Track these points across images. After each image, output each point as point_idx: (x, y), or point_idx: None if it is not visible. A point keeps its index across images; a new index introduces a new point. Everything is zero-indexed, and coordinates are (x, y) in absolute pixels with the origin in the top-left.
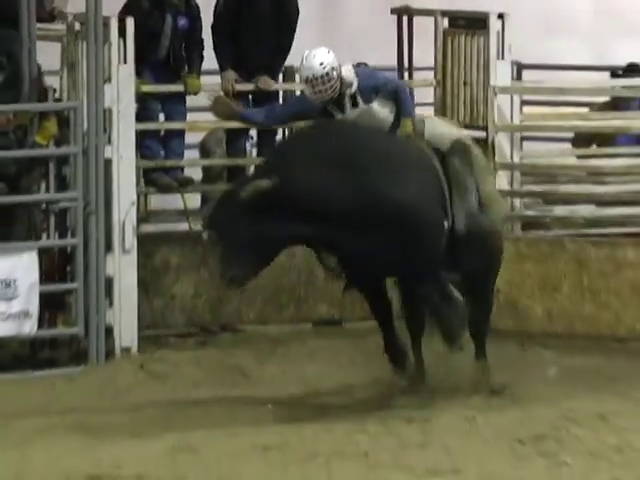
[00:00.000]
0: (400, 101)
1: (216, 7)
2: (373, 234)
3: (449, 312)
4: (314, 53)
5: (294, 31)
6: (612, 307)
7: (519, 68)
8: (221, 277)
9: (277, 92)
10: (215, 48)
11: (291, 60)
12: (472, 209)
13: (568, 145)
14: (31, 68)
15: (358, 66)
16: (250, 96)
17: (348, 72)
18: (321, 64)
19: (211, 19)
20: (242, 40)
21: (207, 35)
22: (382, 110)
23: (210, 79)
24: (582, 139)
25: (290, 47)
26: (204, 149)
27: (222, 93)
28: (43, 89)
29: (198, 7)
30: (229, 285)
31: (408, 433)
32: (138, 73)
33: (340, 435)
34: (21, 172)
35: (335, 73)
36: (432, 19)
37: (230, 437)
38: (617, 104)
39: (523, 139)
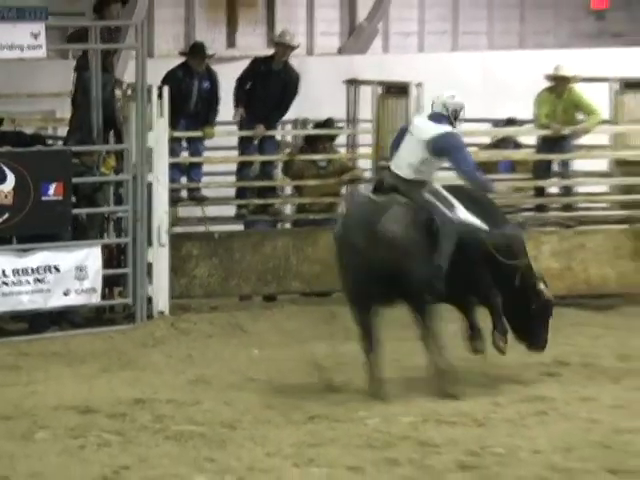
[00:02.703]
0: None
1: (243, 71)
2: None
3: None
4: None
5: (292, 102)
6: None
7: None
8: None
9: (272, 137)
10: (235, 95)
11: None
12: None
13: None
14: (98, 121)
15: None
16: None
17: None
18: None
19: (225, 84)
20: (254, 99)
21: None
22: None
23: (224, 128)
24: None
25: (286, 112)
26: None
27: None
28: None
29: (216, 73)
30: None
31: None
32: (172, 123)
33: (309, 370)
34: (93, 191)
35: None
36: (371, 87)
37: (232, 373)
38: (498, 145)
39: None
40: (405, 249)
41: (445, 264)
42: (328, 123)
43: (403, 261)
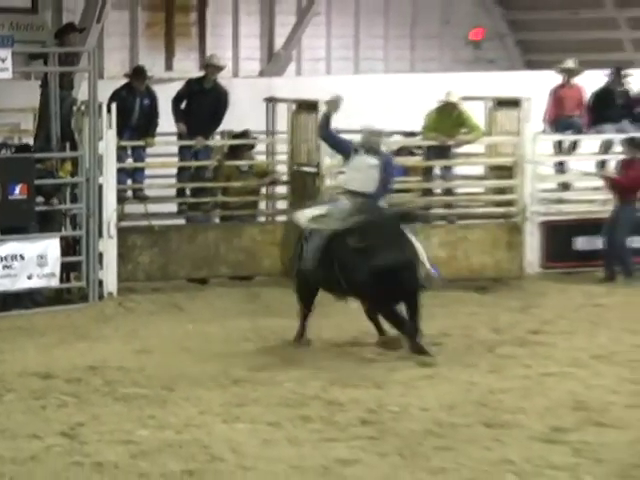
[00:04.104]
0: (386, 181)
1: (178, 92)
2: None
3: None
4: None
5: (224, 114)
6: None
7: (337, 132)
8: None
9: (206, 146)
10: (174, 112)
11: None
12: None
13: None
14: (56, 132)
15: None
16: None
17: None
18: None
19: (164, 101)
20: (191, 113)
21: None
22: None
23: (163, 138)
24: None
25: (220, 123)
26: None
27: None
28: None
29: (155, 92)
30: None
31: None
32: (119, 134)
33: (237, 337)
34: (54, 191)
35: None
36: (287, 104)
37: (170, 343)
38: (398, 153)
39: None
40: None
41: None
42: (245, 134)
43: None
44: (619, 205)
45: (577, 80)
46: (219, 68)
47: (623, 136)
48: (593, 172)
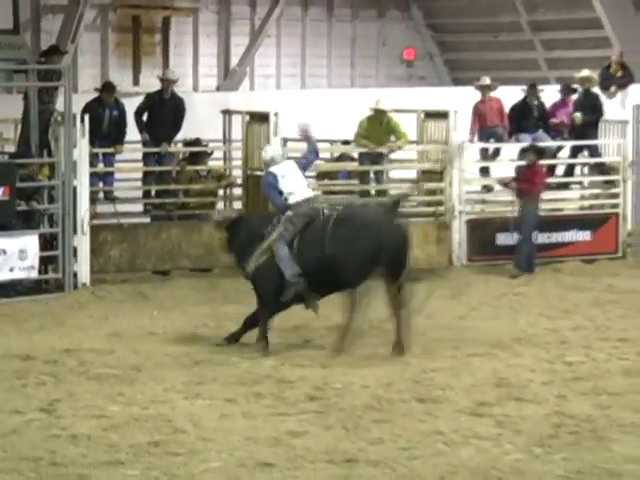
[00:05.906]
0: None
1: (139, 105)
2: None
3: None
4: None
5: (183, 120)
6: None
7: (285, 141)
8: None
9: (171, 152)
10: (136, 123)
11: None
12: None
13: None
14: (35, 142)
15: None
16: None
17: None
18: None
19: (131, 112)
20: (153, 123)
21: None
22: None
23: (130, 145)
24: (322, 175)
25: (180, 128)
26: None
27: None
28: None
29: (123, 104)
30: None
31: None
32: (91, 142)
33: (197, 322)
34: (33, 193)
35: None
36: (241, 115)
37: (137, 328)
38: (340, 158)
39: None
40: None
41: None
42: (197, 142)
43: None
44: (524, 205)
45: (497, 94)
46: (173, 81)
47: (537, 144)
48: (502, 179)
